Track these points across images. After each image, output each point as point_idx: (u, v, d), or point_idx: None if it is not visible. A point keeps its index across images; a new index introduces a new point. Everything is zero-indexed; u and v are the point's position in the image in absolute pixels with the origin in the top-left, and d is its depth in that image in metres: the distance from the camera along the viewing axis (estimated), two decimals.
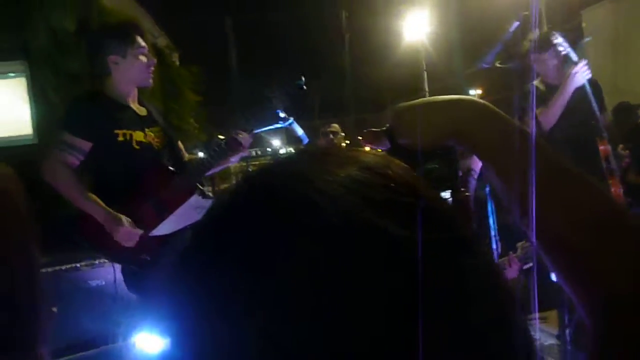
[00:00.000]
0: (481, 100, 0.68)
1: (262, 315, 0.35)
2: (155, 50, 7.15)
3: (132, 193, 2.60)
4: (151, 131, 2.70)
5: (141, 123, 2.68)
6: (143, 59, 2.64)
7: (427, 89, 18.02)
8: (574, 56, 2.91)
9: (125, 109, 2.65)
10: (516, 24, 2.37)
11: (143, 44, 2.65)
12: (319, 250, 0.35)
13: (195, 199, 2.61)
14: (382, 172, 0.40)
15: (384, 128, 0.75)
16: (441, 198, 0.44)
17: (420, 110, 0.72)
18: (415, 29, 17.02)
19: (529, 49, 3.12)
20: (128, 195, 2.59)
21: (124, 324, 3.12)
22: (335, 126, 4.40)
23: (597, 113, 3.17)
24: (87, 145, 2.56)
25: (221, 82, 19.52)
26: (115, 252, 2.64)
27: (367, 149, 0.72)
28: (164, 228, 2.60)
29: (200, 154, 3.01)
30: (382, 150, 0.73)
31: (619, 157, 3.29)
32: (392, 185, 0.39)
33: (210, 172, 2.83)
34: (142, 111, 2.74)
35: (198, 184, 2.71)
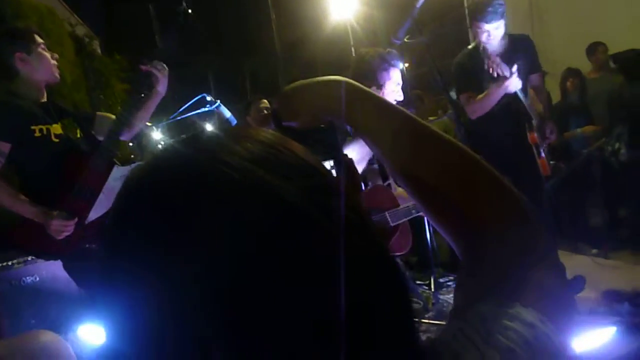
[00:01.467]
0: (349, 80, 0.76)
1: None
2: (75, 39, 6.94)
3: (57, 186, 2.59)
4: (66, 121, 2.75)
5: (56, 115, 2.69)
6: (46, 53, 2.67)
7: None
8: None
9: (37, 105, 2.66)
10: (422, 0, 2.50)
11: (42, 39, 2.69)
12: (225, 209, 0.41)
13: (116, 170, 2.63)
14: (274, 145, 0.48)
15: (269, 112, 0.83)
16: (319, 162, 0.52)
17: (298, 92, 0.79)
18: (342, 8, 17.03)
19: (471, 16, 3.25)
20: (54, 189, 2.59)
21: (64, 317, 3.10)
22: (265, 102, 4.50)
23: (528, 110, 3.40)
24: (5, 147, 2.54)
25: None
26: (56, 251, 2.64)
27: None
28: (98, 210, 2.62)
29: None
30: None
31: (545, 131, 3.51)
32: (283, 154, 0.47)
33: (127, 133, 2.81)
34: (47, 105, 2.73)
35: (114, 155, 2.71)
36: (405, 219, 2.88)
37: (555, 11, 6.36)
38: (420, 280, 4.32)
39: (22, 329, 3.19)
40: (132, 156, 2.80)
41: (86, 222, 2.61)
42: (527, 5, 6.68)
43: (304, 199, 0.44)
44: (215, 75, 25.99)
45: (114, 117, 2.88)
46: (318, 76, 0.78)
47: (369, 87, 2.59)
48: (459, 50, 3.63)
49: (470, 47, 3.61)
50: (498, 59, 3.22)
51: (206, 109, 2.75)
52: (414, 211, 2.88)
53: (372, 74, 2.63)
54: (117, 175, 2.63)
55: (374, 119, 0.72)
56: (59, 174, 2.61)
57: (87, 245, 2.64)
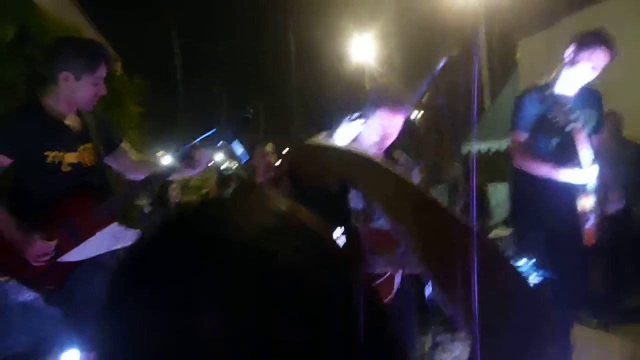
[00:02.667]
0: (369, 154, 0.78)
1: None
2: None
3: (49, 214, 2.51)
4: (83, 148, 2.61)
5: (74, 141, 2.59)
6: (95, 88, 2.54)
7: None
8: None
9: (59, 127, 2.56)
10: (443, 61, 2.50)
11: (103, 73, 2.55)
12: (238, 277, 0.42)
13: (114, 227, 2.55)
14: (287, 217, 0.48)
15: (286, 168, 0.83)
16: (328, 233, 0.51)
17: (319, 154, 0.82)
18: (361, 53, 17.34)
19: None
20: (45, 216, 2.50)
21: (50, 339, 3.03)
22: (269, 146, 4.47)
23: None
24: (5, 161, 2.47)
25: (165, 94, 19.28)
26: (21, 277, 2.55)
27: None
28: (75, 254, 2.52)
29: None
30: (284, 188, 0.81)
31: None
32: (295, 227, 0.48)
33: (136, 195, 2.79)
34: (77, 126, 2.64)
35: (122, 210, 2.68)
36: (390, 270, 2.74)
37: None
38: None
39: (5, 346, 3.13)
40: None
41: (58, 260, 2.51)
42: None
43: (315, 272, 0.45)
44: (230, 107, 26.37)
45: (137, 156, 2.88)
46: (331, 117, 0.83)
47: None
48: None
49: (541, 82, 3.32)
50: (573, 113, 3.00)
51: (219, 145, 2.73)
52: (402, 268, 2.79)
53: (364, 105, 2.55)
54: (111, 232, 2.55)
55: (392, 196, 0.74)
56: (58, 203, 2.52)
57: (47, 286, 2.54)
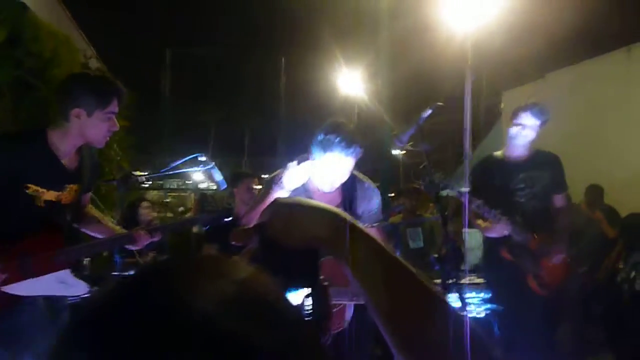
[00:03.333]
0: (345, 215, 0.77)
1: None
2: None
3: (10, 243, 2.46)
4: (70, 188, 2.58)
5: (63, 180, 2.55)
6: (108, 124, 2.51)
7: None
8: None
9: (54, 165, 2.51)
10: (429, 111, 2.54)
11: (115, 109, 2.52)
12: None
13: (64, 273, 2.51)
14: (250, 288, 0.46)
15: (254, 226, 0.81)
16: (285, 304, 0.50)
17: (294, 212, 0.79)
18: (352, 83, 17.50)
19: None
20: (4, 243, 2.45)
21: None
22: (256, 182, 4.43)
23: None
24: None
25: (151, 109, 19.21)
26: None
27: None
28: (20, 288, 2.46)
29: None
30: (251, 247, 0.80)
31: None
32: (257, 299, 0.45)
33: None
34: (72, 166, 2.59)
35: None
36: (346, 302, 2.76)
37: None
38: None
39: None
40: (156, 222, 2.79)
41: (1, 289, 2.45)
42: None
43: (266, 350, 0.42)
44: (216, 127, 26.34)
45: (91, 212, 2.84)
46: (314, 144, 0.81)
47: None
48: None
49: (498, 153, 3.69)
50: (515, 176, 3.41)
51: (198, 169, 2.72)
52: (355, 298, 2.80)
53: (312, 145, 2.57)
54: (61, 278, 2.50)
55: (369, 263, 0.73)
56: (17, 232, 2.46)
57: None
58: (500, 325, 3.51)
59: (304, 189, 2.62)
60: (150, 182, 3.21)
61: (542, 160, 3.56)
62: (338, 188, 2.67)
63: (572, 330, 4.47)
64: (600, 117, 6.25)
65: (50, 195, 2.51)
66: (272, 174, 2.70)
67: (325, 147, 2.51)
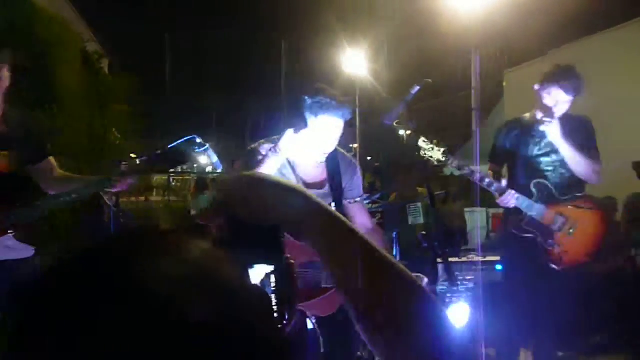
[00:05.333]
0: (309, 194, 0.76)
1: None
2: (84, 55, 6.99)
3: None
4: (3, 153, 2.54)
5: None
6: None
7: (357, 124, 18.52)
8: None
9: None
10: (417, 87, 2.50)
11: None
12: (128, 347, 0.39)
13: (9, 238, 2.47)
14: (198, 266, 0.46)
15: (220, 202, 0.79)
16: (243, 285, 0.49)
17: (259, 189, 0.76)
18: (354, 63, 17.44)
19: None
20: None
21: None
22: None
23: None
24: None
25: (153, 94, 19.18)
26: None
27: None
28: None
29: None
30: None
31: None
32: (208, 279, 0.45)
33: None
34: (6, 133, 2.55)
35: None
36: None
37: None
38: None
39: None
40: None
41: None
42: None
43: (217, 332, 0.42)
44: (218, 111, 26.35)
45: (60, 173, 2.76)
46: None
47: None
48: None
49: (527, 115, 3.44)
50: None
51: (194, 151, 2.70)
52: None
53: (302, 112, 2.54)
54: (4, 243, 2.45)
55: (334, 244, 0.73)
56: None
57: None
58: (512, 302, 3.39)
59: (290, 163, 2.60)
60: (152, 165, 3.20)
61: (572, 125, 3.34)
62: (322, 164, 2.65)
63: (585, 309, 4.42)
64: (603, 93, 6.18)
65: None
66: (255, 144, 2.66)
67: (317, 109, 2.47)
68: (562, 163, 3.25)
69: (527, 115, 3.38)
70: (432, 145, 2.83)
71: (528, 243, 3.19)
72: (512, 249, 3.30)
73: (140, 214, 6.83)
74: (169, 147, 2.85)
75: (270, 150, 2.48)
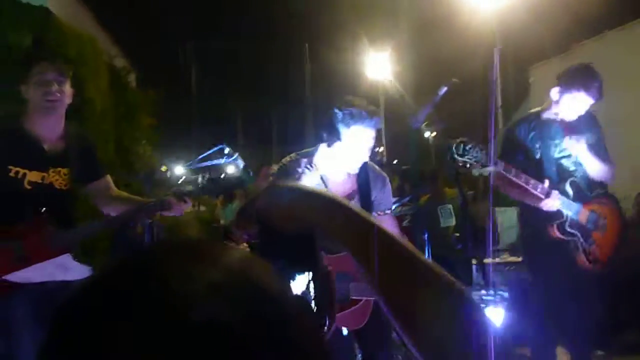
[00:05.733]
0: (340, 198, 0.76)
1: None
2: (112, 71, 7.11)
3: (1, 229, 2.45)
4: (56, 171, 2.57)
5: (45, 162, 2.55)
6: (41, 89, 2.48)
7: (383, 128, 18.48)
8: None
9: (31, 145, 2.53)
10: (444, 88, 2.49)
11: (43, 69, 2.50)
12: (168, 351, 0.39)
13: (65, 258, 2.50)
14: (240, 273, 0.46)
15: (254, 212, 0.80)
16: (281, 292, 0.49)
17: (289, 197, 0.78)
18: (377, 67, 17.39)
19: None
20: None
21: None
22: (274, 169, 4.31)
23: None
24: None
25: (178, 106, 19.41)
26: None
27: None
28: (19, 275, 2.46)
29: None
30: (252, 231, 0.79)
31: None
32: (245, 284, 0.45)
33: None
34: (55, 150, 2.60)
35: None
36: (367, 297, 2.65)
37: None
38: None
39: None
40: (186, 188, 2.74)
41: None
42: None
43: (256, 335, 0.42)
44: (243, 118, 26.50)
45: (116, 193, 2.81)
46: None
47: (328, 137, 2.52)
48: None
49: (533, 110, 3.39)
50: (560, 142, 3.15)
51: (223, 161, 2.75)
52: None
53: (334, 125, 2.56)
54: (62, 262, 2.50)
55: (363, 244, 0.72)
56: (13, 219, 2.47)
57: None
58: (544, 305, 3.30)
59: (321, 178, 2.62)
60: (184, 177, 3.25)
61: (586, 120, 3.31)
62: (352, 176, 2.66)
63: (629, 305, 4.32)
64: (627, 87, 6.07)
65: (34, 176, 2.51)
66: (286, 159, 2.68)
67: (349, 121, 2.50)
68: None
69: (541, 112, 3.30)
70: (461, 145, 2.76)
71: (566, 244, 3.13)
72: (548, 250, 3.20)
73: (171, 225, 6.88)
74: (200, 157, 2.90)
75: (305, 166, 2.50)
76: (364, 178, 2.67)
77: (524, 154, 3.22)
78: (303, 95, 22.93)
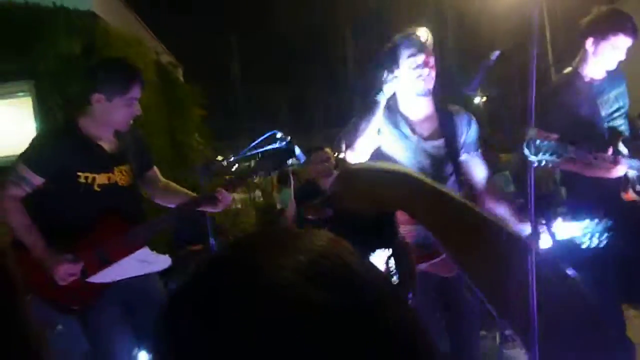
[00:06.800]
0: (420, 176, 0.76)
1: None
2: (159, 67, 7.25)
3: (79, 235, 2.53)
4: (119, 169, 2.64)
5: (109, 163, 2.61)
6: (129, 109, 2.55)
7: None
8: None
9: (94, 149, 2.59)
10: (497, 53, 2.41)
11: (137, 94, 2.55)
12: (268, 338, 0.41)
13: (143, 252, 2.58)
14: (325, 255, 0.47)
15: (326, 199, 0.80)
16: (370, 269, 0.50)
17: (362, 178, 0.78)
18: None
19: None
20: (75, 236, 2.53)
21: None
22: (327, 151, 4.27)
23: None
24: (38, 180, 2.51)
25: (225, 96, 19.65)
26: (46, 296, 2.53)
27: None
28: (104, 276, 2.55)
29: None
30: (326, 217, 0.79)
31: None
32: (335, 266, 0.47)
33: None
34: (113, 148, 2.66)
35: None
36: None
37: None
38: (485, 331, 3.97)
39: None
40: (228, 177, 2.81)
41: (86, 280, 2.54)
42: None
43: (350, 316, 0.43)
44: (288, 104, 26.59)
45: (164, 182, 2.90)
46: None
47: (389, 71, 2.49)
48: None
49: (567, 71, 3.20)
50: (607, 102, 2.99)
51: (276, 146, 2.77)
52: None
53: (386, 61, 2.53)
54: (142, 257, 2.58)
55: (440, 219, 0.72)
56: (88, 223, 2.55)
57: (71, 305, 2.56)
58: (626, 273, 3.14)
59: (404, 119, 2.55)
60: (237, 165, 3.29)
61: (617, 74, 3.09)
62: (432, 115, 2.60)
63: None
64: None
65: (102, 178, 2.57)
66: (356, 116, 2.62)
67: (400, 47, 2.49)
68: (626, 113, 3.11)
69: (576, 70, 3.11)
70: (531, 144, 2.54)
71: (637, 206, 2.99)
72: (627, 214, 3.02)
73: (229, 214, 6.99)
74: (252, 144, 2.93)
75: (375, 97, 2.47)
76: (446, 118, 2.60)
77: (573, 121, 2.97)
78: (346, 79, 22.81)
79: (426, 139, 2.56)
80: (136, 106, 2.58)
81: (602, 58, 2.99)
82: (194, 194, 2.81)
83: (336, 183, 0.79)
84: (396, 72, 2.51)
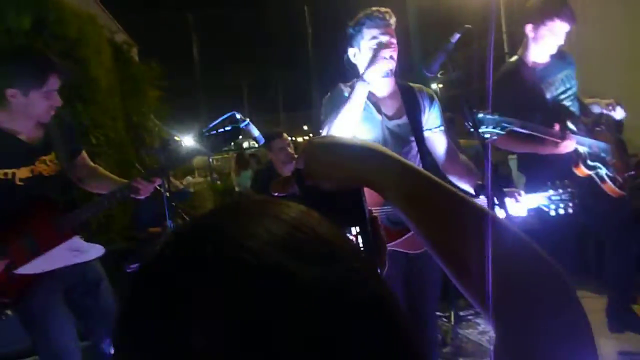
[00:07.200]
0: (388, 150, 0.75)
1: None
2: (114, 47, 7.06)
3: (6, 228, 2.46)
4: (42, 161, 2.55)
5: (30, 155, 2.52)
6: (48, 101, 2.43)
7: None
8: None
9: (13, 144, 2.48)
10: (457, 35, 2.41)
11: (55, 85, 2.42)
12: (250, 305, 0.40)
13: (74, 241, 2.51)
14: (298, 226, 0.46)
15: (291, 173, 0.78)
16: (344, 240, 0.50)
17: (330, 153, 0.76)
18: None
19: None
20: (1, 229, 2.45)
21: None
22: (286, 137, 4.25)
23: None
24: None
25: (182, 77, 19.31)
26: None
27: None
28: (33, 267, 2.47)
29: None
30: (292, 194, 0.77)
31: None
32: (307, 236, 0.46)
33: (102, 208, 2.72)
34: (35, 139, 2.56)
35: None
36: None
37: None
38: (439, 312, 4.04)
39: None
40: (156, 165, 2.74)
41: (15, 272, 2.45)
42: None
43: (322, 286, 0.42)
44: (248, 85, 26.37)
45: (92, 165, 2.80)
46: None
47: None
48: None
49: (512, 59, 3.30)
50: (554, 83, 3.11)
51: (236, 126, 2.72)
52: None
53: (351, 44, 2.54)
54: (73, 246, 2.51)
55: (408, 193, 0.71)
56: (9, 217, 2.46)
57: (1, 299, 2.48)
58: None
59: (368, 99, 2.54)
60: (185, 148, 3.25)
61: (563, 57, 3.21)
62: (396, 94, 2.61)
63: None
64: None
65: (23, 172, 2.49)
66: (332, 91, 2.60)
67: (363, 28, 2.49)
68: (574, 94, 3.22)
69: (522, 57, 3.23)
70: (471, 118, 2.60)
71: (592, 179, 3.10)
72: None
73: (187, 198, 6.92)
74: (210, 125, 2.87)
75: (356, 82, 2.45)
76: (408, 95, 2.62)
77: (519, 105, 3.04)
78: (306, 60, 22.69)
79: (390, 118, 2.56)
80: (55, 97, 2.45)
81: (543, 43, 3.11)
82: (124, 180, 2.71)
83: (303, 157, 0.77)
84: (359, 53, 2.52)
